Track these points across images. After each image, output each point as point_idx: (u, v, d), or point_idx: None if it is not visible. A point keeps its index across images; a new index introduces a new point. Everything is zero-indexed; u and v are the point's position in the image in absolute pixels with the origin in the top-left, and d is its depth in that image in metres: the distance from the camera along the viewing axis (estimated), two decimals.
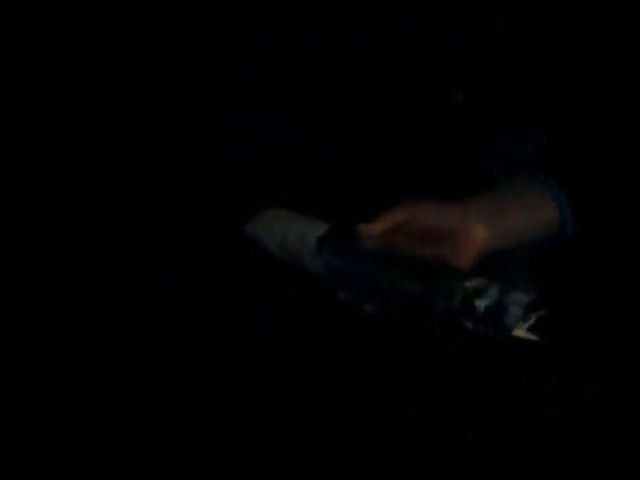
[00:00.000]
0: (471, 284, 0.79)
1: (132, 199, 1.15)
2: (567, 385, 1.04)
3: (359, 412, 1.11)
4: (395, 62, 1.09)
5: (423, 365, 1.10)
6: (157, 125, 1.14)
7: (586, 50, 1.04)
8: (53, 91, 1.15)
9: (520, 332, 0.77)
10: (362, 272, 0.86)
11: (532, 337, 0.77)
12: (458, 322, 0.79)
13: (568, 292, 1.02)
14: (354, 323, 1.08)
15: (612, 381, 1.03)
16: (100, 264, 1.16)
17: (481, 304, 0.78)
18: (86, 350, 1.16)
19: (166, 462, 1.14)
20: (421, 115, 1.08)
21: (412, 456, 1.09)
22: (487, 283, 0.79)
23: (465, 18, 1.06)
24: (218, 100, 1.13)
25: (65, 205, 1.16)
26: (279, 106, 1.11)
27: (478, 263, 0.88)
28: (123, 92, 1.14)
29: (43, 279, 1.16)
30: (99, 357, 1.16)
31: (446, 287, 0.81)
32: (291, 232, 0.93)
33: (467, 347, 1.05)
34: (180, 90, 1.13)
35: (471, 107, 1.07)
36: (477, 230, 0.88)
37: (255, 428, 1.13)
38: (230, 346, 1.14)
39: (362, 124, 1.10)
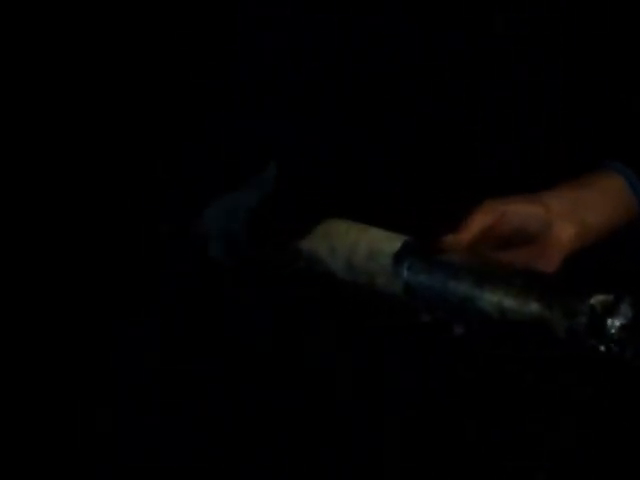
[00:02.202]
0: (597, 301, 0.69)
1: (132, 199, 1.15)
2: (569, 386, 1.03)
3: (359, 412, 1.11)
4: (395, 62, 1.08)
5: (423, 365, 1.09)
6: (157, 125, 1.13)
7: (586, 50, 1.04)
8: (52, 91, 1.15)
9: None
10: (453, 291, 0.75)
11: None
12: (586, 345, 0.69)
13: None
14: (354, 323, 1.08)
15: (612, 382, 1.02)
16: (100, 264, 1.16)
17: (615, 323, 0.69)
18: (86, 350, 1.16)
19: (166, 462, 1.14)
20: (421, 115, 1.08)
21: (412, 456, 1.09)
22: (616, 298, 0.69)
23: (465, 18, 1.06)
24: (218, 100, 1.12)
25: (64, 205, 1.15)
26: (279, 106, 1.10)
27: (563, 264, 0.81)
28: (122, 92, 1.14)
29: (42, 279, 1.16)
30: (99, 357, 1.16)
31: (567, 305, 0.70)
32: (359, 248, 0.81)
33: (467, 347, 1.04)
34: (180, 90, 1.13)
35: (471, 107, 1.07)
36: (564, 228, 0.81)
37: (255, 428, 1.13)
38: (230, 346, 1.14)
39: (362, 124, 1.10)
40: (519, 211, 0.81)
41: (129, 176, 1.14)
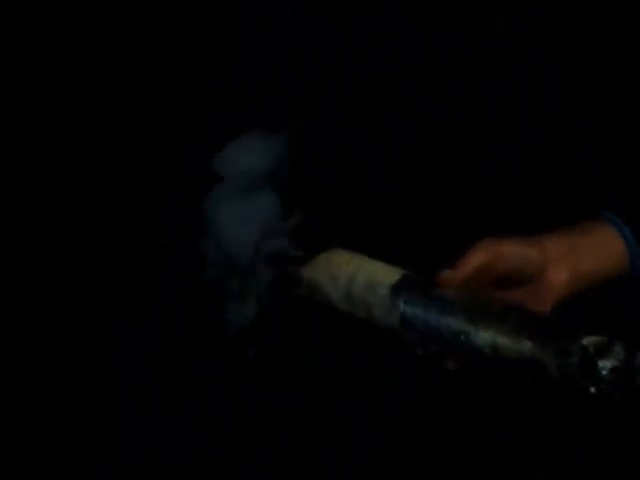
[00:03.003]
0: (590, 341, 0.69)
1: (132, 199, 1.15)
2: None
3: (359, 412, 1.11)
4: (395, 62, 1.08)
5: (423, 365, 1.09)
6: (156, 125, 1.13)
7: (586, 50, 1.04)
8: (52, 90, 1.15)
9: None
10: (448, 326, 0.76)
11: None
12: (577, 386, 0.70)
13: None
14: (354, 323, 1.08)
15: None
16: (100, 264, 1.16)
17: (606, 365, 0.69)
18: (86, 350, 1.16)
19: (166, 462, 1.14)
20: (420, 115, 1.08)
21: (412, 456, 1.09)
22: (608, 340, 0.69)
23: (465, 18, 1.06)
24: (218, 100, 1.12)
25: (64, 205, 1.15)
26: (279, 106, 1.10)
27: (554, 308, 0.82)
28: (122, 92, 1.14)
29: (42, 279, 1.16)
30: (99, 357, 1.16)
31: (560, 345, 0.70)
32: (358, 279, 0.82)
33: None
34: (180, 90, 1.13)
35: (471, 107, 1.07)
36: (558, 272, 0.83)
37: (255, 428, 1.13)
38: (230, 346, 1.14)
39: (361, 124, 1.10)
40: (516, 252, 0.82)
41: (129, 176, 1.14)
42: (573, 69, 1.05)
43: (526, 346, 0.72)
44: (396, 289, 0.80)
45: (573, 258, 0.85)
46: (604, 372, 0.69)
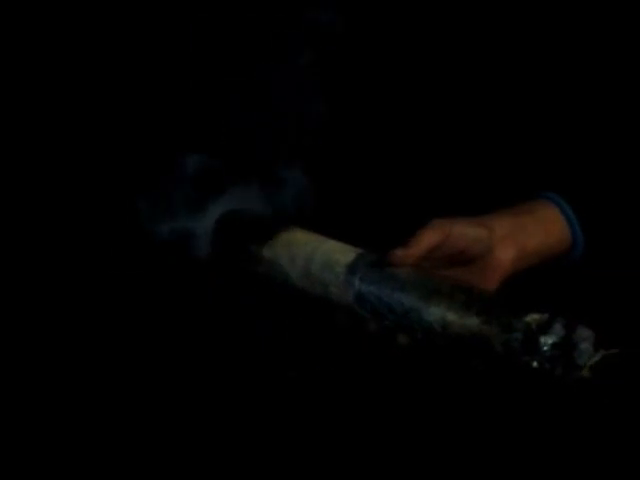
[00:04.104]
0: (533, 318, 0.72)
1: (132, 199, 1.13)
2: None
3: (359, 412, 1.12)
4: (393, 63, 1.08)
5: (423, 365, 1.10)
6: (157, 125, 1.12)
7: (586, 50, 1.04)
8: (51, 90, 1.13)
9: (585, 372, 0.72)
10: (400, 303, 0.79)
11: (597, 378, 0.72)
12: (520, 361, 0.72)
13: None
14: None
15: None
16: (100, 264, 1.15)
17: (547, 341, 0.72)
18: (86, 350, 1.15)
19: (166, 462, 1.14)
20: (422, 116, 1.08)
21: (412, 456, 1.10)
22: (550, 317, 0.72)
23: (465, 19, 1.06)
24: (218, 100, 1.11)
25: (64, 206, 1.14)
26: (279, 107, 1.09)
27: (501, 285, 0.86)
28: (121, 92, 1.12)
29: (42, 279, 1.15)
30: (99, 356, 1.15)
31: (505, 321, 0.73)
32: (316, 258, 0.85)
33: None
34: (180, 90, 1.12)
35: (472, 109, 1.07)
36: (505, 250, 0.86)
37: (255, 428, 1.13)
38: (230, 346, 1.14)
39: (363, 125, 1.09)
40: (465, 232, 0.85)
41: (128, 176, 1.13)
42: (573, 69, 1.05)
43: (473, 322, 0.74)
44: (352, 267, 0.83)
45: (519, 237, 0.88)
46: (545, 348, 0.72)
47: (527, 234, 0.88)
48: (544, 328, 0.72)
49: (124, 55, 1.10)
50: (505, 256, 0.86)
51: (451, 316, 0.76)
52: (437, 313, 0.77)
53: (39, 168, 1.12)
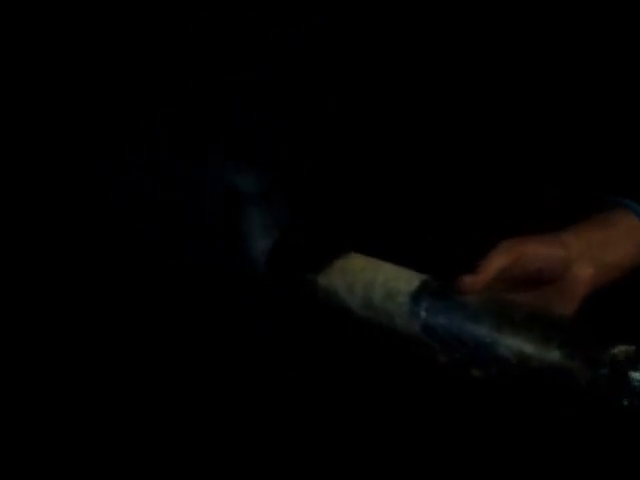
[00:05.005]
0: (620, 351, 0.66)
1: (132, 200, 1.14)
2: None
3: (359, 412, 1.12)
4: (396, 62, 1.08)
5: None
6: (156, 126, 1.13)
7: (586, 50, 1.04)
8: (50, 90, 1.15)
9: None
10: (472, 335, 0.74)
11: None
12: (607, 398, 0.67)
13: None
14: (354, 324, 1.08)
15: None
16: (100, 264, 1.16)
17: (637, 376, 0.66)
18: (86, 350, 1.16)
19: (167, 461, 1.14)
20: (424, 117, 1.08)
21: (412, 456, 1.10)
22: (638, 349, 0.66)
23: (465, 19, 1.06)
24: (219, 100, 1.12)
25: (64, 207, 1.15)
26: (280, 107, 1.10)
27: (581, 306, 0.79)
28: (122, 92, 1.13)
29: (42, 279, 1.16)
30: (99, 356, 1.16)
31: (589, 355, 0.67)
32: (376, 286, 0.79)
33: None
34: (180, 90, 1.13)
35: (474, 110, 1.07)
36: (583, 268, 0.80)
37: (255, 428, 1.13)
38: (230, 346, 1.14)
39: (364, 126, 1.10)
40: (537, 252, 0.80)
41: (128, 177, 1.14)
42: (573, 69, 1.05)
43: (554, 356, 0.69)
44: (416, 296, 0.77)
45: (597, 251, 0.82)
46: (636, 383, 0.66)
47: (606, 248, 0.82)
48: (633, 361, 0.66)
49: (124, 55, 1.11)
50: (584, 274, 0.80)
51: (529, 349, 0.70)
52: (513, 346, 0.71)
53: (39, 168, 1.14)
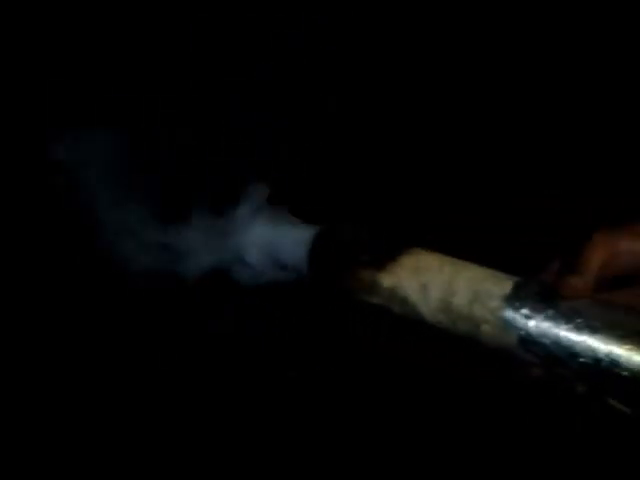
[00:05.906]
0: None
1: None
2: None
3: (359, 412, 1.12)
4: (396, 62, 1.08)
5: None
6: (156, 126, 1.13)
7: (586, 50, 1.04)
8: (51, 90, 1.14)
9: None
10: (590, 348, 0.63)
11: None
12: None
13: None
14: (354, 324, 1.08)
15: None
16: (100, 264, 1.15)
17: None
18: (86, 349, 1.16)
19: (167, 461, 1.14)
20: (424, 117, 1.08)
21: (412, 456, 1.10)
22: None
23: (465, 19, 1.06)
24: (219, 100, 1.12)
25: (64, 208, 1.15)
26: (280, 107, 1.10)
27: None
28: (122, 92, 1.13)
29: (42, 279, 1.16)
30: (99, 356, 1.16)
31: None
32: (458, 288, 0.67)
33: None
34: (180, 90, 1.13)
35: (474, 110, 1.07)
36: None
37: (255, 427, 1.13)
38: (229, 346, 1.14)
39: (364, 126, 1.10)
40: (634, 247, 0.70)
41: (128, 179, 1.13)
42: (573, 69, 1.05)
43: None
44: (512, 301, 0.66)
45: None
46: None
47: None
48: None
49: (124, 55, 1.11)
50: None
51: None
52: (637, 361, 0.61)
53: (39, 168, 1.13)
